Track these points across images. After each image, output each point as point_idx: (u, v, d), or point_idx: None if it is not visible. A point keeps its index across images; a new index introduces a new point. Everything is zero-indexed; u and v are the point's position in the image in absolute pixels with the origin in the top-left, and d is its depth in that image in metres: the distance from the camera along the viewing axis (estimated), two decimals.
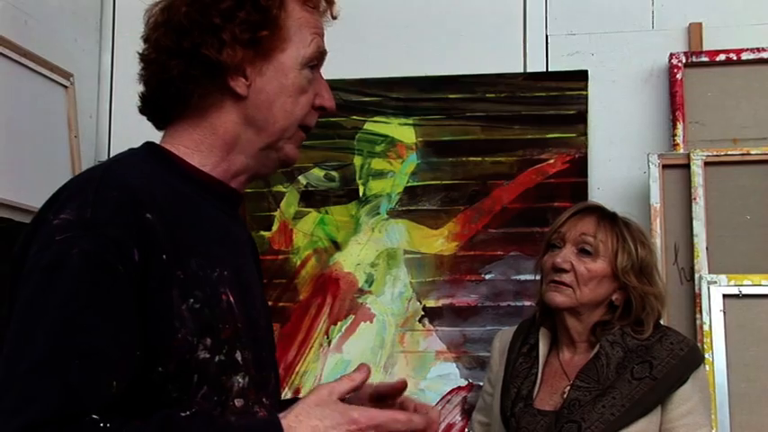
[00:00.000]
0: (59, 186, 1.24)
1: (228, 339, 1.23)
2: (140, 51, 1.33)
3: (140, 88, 1.35)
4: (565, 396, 1.99)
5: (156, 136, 1.36)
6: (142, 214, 1.16)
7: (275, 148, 1.34)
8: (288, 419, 1.15)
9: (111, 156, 3.12)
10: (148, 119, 1.37)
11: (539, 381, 2.06)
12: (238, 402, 1.25)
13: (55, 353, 1.07)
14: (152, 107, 1.35)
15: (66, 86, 2.95)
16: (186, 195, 1.27)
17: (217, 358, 1.21)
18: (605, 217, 2.09)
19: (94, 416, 1.06)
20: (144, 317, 1.14)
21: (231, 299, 1.25)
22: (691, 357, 2.00)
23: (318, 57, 1.35)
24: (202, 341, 1.19)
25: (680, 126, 2.76)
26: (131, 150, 1.33)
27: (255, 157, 1.34)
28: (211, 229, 1.30)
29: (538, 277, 2.16)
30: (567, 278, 2.03)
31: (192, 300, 1.19)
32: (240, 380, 1.25)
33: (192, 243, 1.23)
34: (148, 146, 1.33)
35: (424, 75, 3.02)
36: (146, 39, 1.31)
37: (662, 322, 2.13)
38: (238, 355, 1.24)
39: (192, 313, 1.18)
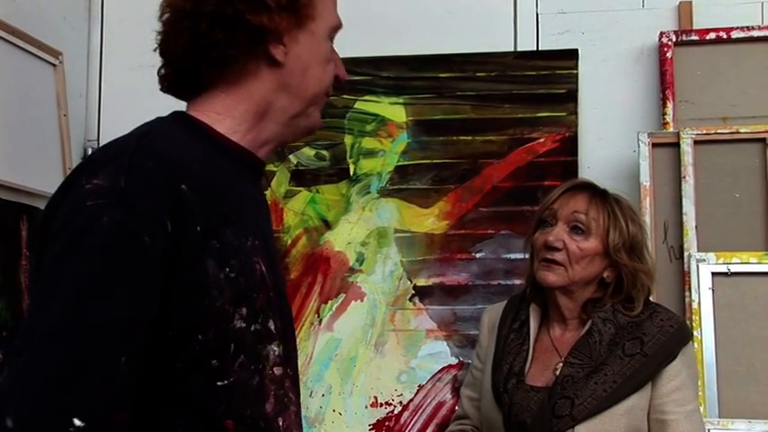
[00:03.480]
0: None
1: (263, 308, 1.24)
2: (165, 21, 1.32)
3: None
4: (557, 373, 2.01)
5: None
6: (177, 186, 1.16)
7: (305, 114, 1.38)
8: None
9: (101, 134, 3.13)
10: (171, 90, 1.37)
11: (530, 357, 2.07)
12: (277, 371, 1.27)
13: (68, 322, 1.07)
14: (182, 77, 1.34)
15: (55, 65, 2.94)
16: (218, 164, 1.28)
17: (252, 327, 1.22)
18: (596, 194, 2.09)
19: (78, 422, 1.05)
20: (177, 289, 1.14)
21: (263, 268, 1.27)
22: (680, 334, 2.02)
23: (338, 27, 1.40)
24: (238, 310, 1.20)
25: (670, 105, 2.77)
26: (160, 119, 1.32)
27: (286, 125, 1.37)
28: (242, 198, 1.31)
29: (527, 255, 2.16)
30: (559, 257, 2.04)
31: (228, 269, 1.19)
32: (275, 348, 1.27)
33: (226, 212, 1.23)
34: (177, 115, 1.33)
35: (414, 54, 3.01)
36: (175, 9, 1.31)
37: (651, 299, 2.14)
38: (271, 325, 1.26)
39: (229, 282, 1.19)
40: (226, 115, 1.32)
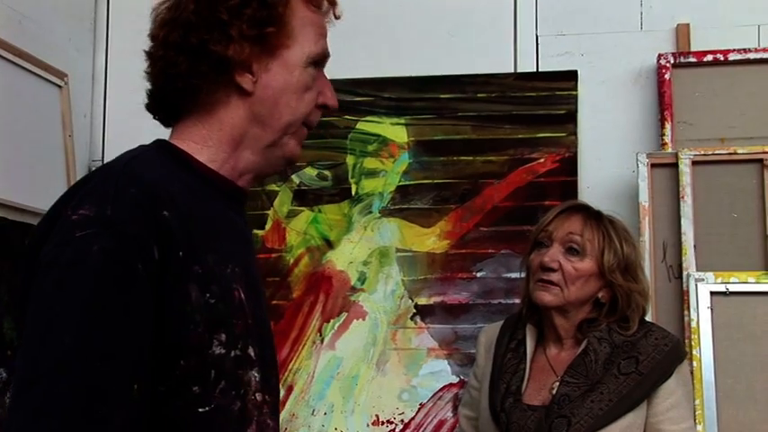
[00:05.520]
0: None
1: (241, 335, 1.25)
2: (147, 50, 1.34)
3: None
4: (554, 392, 2.02)
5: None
6: (159, 212, 1.17)
7: (279, 145, 1.36)
8: None
9: (105, 154, 3.16)
10: (155, 116, 1.38)
11: (527, 376, 2.08)
12: (259, 397, 1.27)
13: (79, 353, 1.07)
14: (159, 104, 1.36)
15: (60, 86, 2.97)
16: (197, 192, 1.28)
17: (232, 353, 1.22)
18: (591, 216, 2.11)
19: None
20: (162, 314, 1.15)
21: (242, 295, 1.27)
22: (675, 352, 2.03)
23: (322, 55, 1.37)
24: (216, 336, 1.20)
25: (668, 126, 2.79)
26: (143, 147, 1.33)
27: (261, 155, 1.36)
28: (222, 226, 1.31)
29: (524, 275, 2.19)
30: (554, 277, 2.06)
31: (208, 294, 1.20)
32: (256, 374, 1.27)
33: (207, 239, 1.24)
34: (159, 143, 1.34)
35: (415, 75, 3.05)
36: (153, 36, 1.32)
37: (651, 319, 2.16)
38: (251, 351, 1.26)
39: (208, 308, 1.19)
40: (203, 145, 1.32)
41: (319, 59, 1.37)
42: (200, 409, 1.19)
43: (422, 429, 2.84)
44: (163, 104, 1.35)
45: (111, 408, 1.08)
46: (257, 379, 1.27)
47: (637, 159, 2.73)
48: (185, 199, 1.23)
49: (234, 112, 1.32)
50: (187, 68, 1.28)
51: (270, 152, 1.36)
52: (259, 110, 1.32)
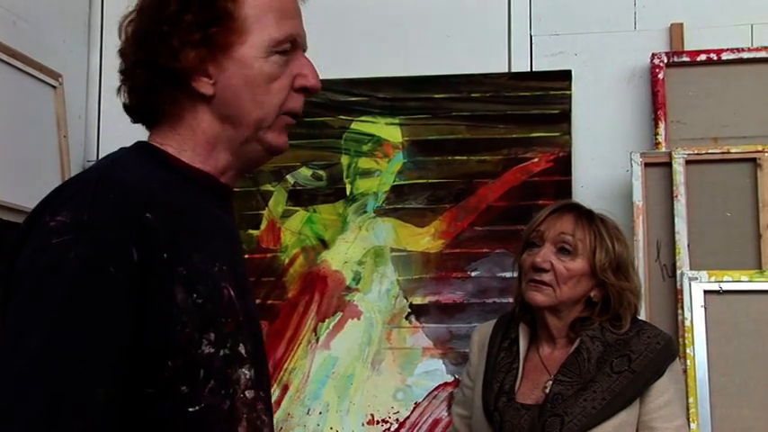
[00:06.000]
0: (55, 186, 1.25)
1: (232, 333, 1.24)
2: (118, 67, 1.34)
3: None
4: (547, 390, 2.03)
5: (144, 135, 1.38)
6: (141, 214, 1.16)
7: (256, 139, 1.33)
8: None
9: (99, 155, 3.16)
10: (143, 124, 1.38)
11: (520, 375, 2.09)
12: (249, 394, 1.27)
13: (44, 359, 1.08)
14: (134, 115, 1.35)
15: (54, 87, 2.98)
16: (182, 191, 1.28)
17: (221, 352, 1.22)
18: (582, 215, 2.11)
19: None
20: (147, 316, 1.15)
21: (231, 293, 1.26)
22: (667, 351, 2.04)
23: (288, 39, 1.31)
24: (206, 336, 1.20)
25: (662, 125, 2.80)
26: (124, 149, 1.32)
27: (238, 153, 1.33)
28: (208, 224, 1.30)
29: (516, 274, 2.19)
30: (546, 277, 2.06)
31: (195, 295, 1.19)
32: (246, 372, 1.27)
33: (192, 238, 1.23)
34: (140, 145, 1.33)
35: (410, 75, 3.05)
36: (119, 52, 1.33)
37: (645, 317, 2.16)
38: (242, 348, 1.26)
39: (195, 308, 1.19)
40: (180, 149, 1.31)
41: (285, 45, 1.31)
42: (190, 409, 1.19)
43: (417, 428, 2.85)
44: (137, 115, 1.35)
45: (73, 413, 1.08)
46: (248, 376, 1.27)
47: (630, 158, 2.73)
48: (167, 198, 1.23)
49: (202, 118, 1.30)
50: (145, 83, 1.28)
51: (248, 148, 1.34)
52: (225, 111, 1.30)
